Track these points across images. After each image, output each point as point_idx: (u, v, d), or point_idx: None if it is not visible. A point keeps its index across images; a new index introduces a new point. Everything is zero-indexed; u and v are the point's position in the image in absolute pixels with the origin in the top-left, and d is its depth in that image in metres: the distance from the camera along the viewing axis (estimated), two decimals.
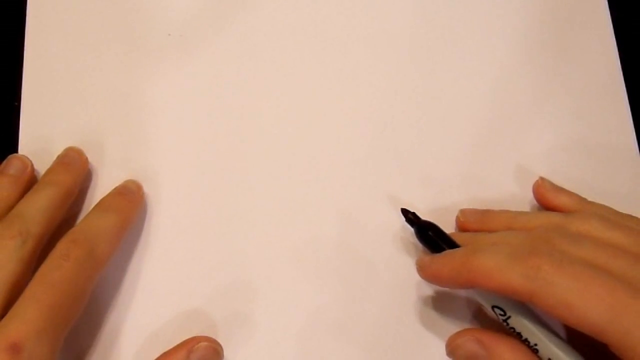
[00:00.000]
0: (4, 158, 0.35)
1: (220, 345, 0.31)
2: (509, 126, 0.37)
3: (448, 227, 0.33)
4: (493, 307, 0.29)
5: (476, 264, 0.27)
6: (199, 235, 0.34)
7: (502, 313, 0.28)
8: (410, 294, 0.34)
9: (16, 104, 0.37)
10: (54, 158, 0.35)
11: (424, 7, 0.39)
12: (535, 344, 0.27)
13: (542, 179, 0.34)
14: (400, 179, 0.36)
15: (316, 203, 0.35)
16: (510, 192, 0.36)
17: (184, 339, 0.31)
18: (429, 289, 0.34)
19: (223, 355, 0.31)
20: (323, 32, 0.39)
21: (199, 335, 0.31)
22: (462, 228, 0.34)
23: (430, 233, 0.32)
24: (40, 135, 0.36)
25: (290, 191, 0.36)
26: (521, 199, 0.35)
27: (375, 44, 0.39)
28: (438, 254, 0.30)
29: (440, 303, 0.33)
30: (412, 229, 0.33)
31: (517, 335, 0.28)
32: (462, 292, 0.33)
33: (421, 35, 0.39)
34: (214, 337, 0.31)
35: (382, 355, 0.33)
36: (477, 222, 0.33)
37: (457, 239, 0.32)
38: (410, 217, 0.33)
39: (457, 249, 0.30)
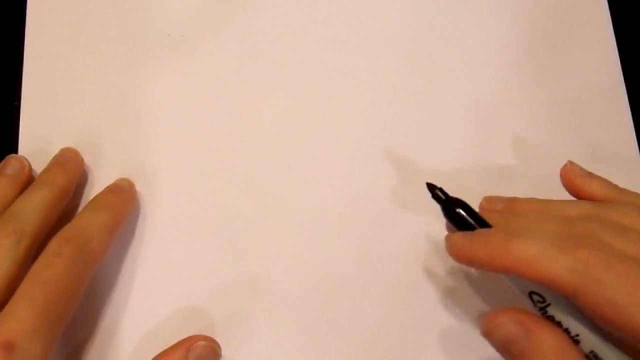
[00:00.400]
0: (3, 158, 0.35)
1: (218, 345, 0.31)
2: (508, 126, 0.37)
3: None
4: (530, 293, 0.27)
5: (517, 249, 0.25)
6: (198, 235, 0.34)
7: (540, 300, 0.26)
8: (414, 290, 0.33)
9: (16, 104, 0.37)
10: None
11: (424, 7, 0.39)
12: (577, 335, 0.26)
13: (571, 162, 0.32)
14: (401, 178, 0.36)
15: (316, 202, 0.35)
16: (511, 192, 0.36)
17: (182, 337, 0.31)
18: (433, 286, 0.34)
19: (221, 354, 0.31)
20: (322, 32, 0.39)
21: (197, 334, 0.31)
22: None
23: (459, 210, 0.29)
24: (40, 135, 0.36)
25: (290, 190, 0.35)
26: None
27: (374, 44, 0.39)
28: (471, 233, 0.28)
29: (447, 300, 0.33)
30: (433, 208, 0.30)
31: (557, 325, 0.26)
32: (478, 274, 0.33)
33: (421, 34, 0.39)
34: (212, 336, 0.31)
35: (383, 356, 0.32)
36: (503, 210, 0.31)
37: (487, 218, 0.29)
38: (437, 192, 0.30)
39: (492, 229, 0.28)
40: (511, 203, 0.31)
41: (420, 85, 0.38)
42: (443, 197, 0.30)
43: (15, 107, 0.37)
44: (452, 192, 0.35)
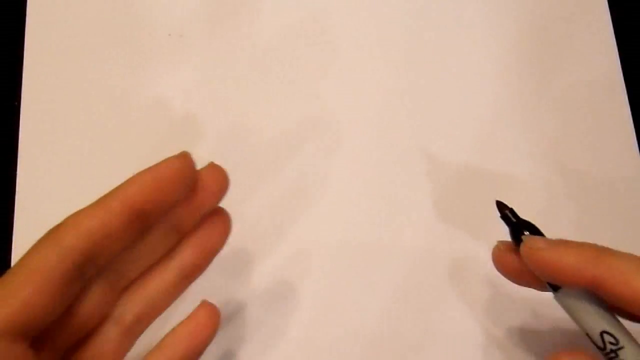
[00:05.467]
0: (4, 158, 0.35)
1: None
2: (509, 126, 0.37)
3: (454, 223, 0.32)
4: (602, 332, 0.24)
5: (612, 261, 0.23)
6: None
7: (613, 342, 0.24)
8: (420, 294, 0.34)
9: (16, 104, 0.37)
10: (54, 158, 0.35)
11: (425, 8, 0.39)
12: None
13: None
14: (402, 178, 0.36)
15: (316, 202, 0.35)
16: (511, 191, 0.36)
17: None
18: (426, 292, 0.34)
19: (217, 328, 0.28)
20: (323, 32, 0.39)
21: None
22: None
23: (528, 233, 0.27)
24: (40, 136, 0.36)
25: (289, 190, 0.35)
26: (521, 198, 0.35)
27: (374, 46, 0.39)
28: (557, 239, 0.25)
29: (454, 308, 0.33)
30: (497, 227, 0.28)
31: None
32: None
33: (423, 34, 0.39)
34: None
35: (384, 356, 0.33)
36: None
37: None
38: (506, 213, 0.28)
39: (583, 242, 0.25)
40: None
41: (423, 85, 0.38)
42: (514, 219, 0.27)
43: (15, 107, 0.37)
44: (454, 192, 0.35)
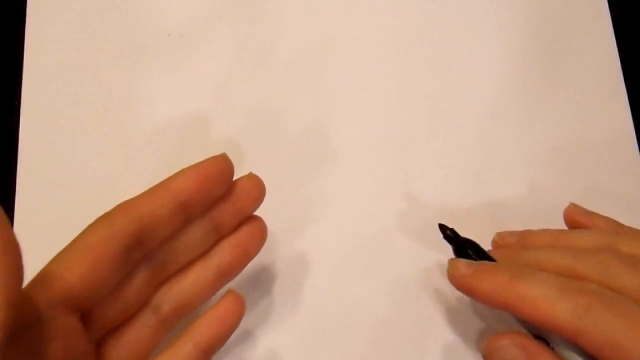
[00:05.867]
0: (4, 158, 0.35)
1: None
2: (509, 126, 0.37)
3: (455, 226, 0.32)
4: (535, 336, 0.27)
5: (520, 289, 0.25)
6: None
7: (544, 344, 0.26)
8: (419, 292, 0.34)
9: (16, 104, 0.37)
10: (54, 158, 0.35)
11: (427, 8, 0.39)
12: None
13: (573, 204, 0.32)
14: (404, 178, 0.36)
15: (317, 202, 0.35)
16: (512, 191, 0.36)
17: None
18: (434, 292, 0.34)
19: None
20: (324, 32, 0.39)
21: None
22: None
23: (470, 252, 0.30)
24: (40, 135, 0.36)
25: (290, 190, 0.36)
26: (523, 198, 0.35)
27: (374, 47, 0.39)
28: (476, 263, 0.28)
29: (446, 316, 0.33)
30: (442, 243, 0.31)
31: None
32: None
33: (423, 35, 0.39)
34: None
35: (385, 354, 0.33)
36: (516, 244, 0.31)
37: (497, 256, 0.30)
38: (448, 233, 0.31)
39: (498, 264, 0.28)
40: (524, 236, 0.31)
41: (423, 87, 0.38)
42: (454, 237, 0.30)
43: (15, 107, 0.37)
44: (456, 191, 0.35)
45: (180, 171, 0.27)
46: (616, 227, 0.30)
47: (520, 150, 0.37)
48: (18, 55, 0.38)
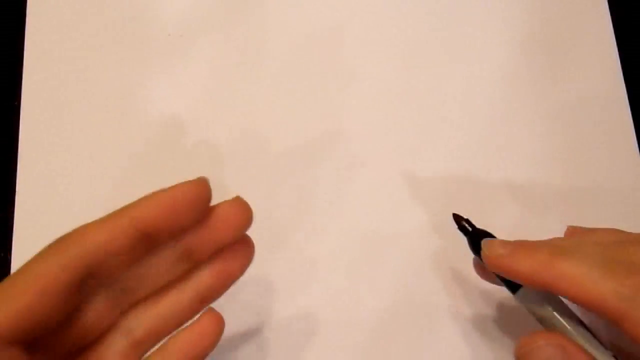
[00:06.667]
0: (4, 158, 0.35)
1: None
2: (509, 126, 0.37)
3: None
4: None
5: (564, 267, 0.24)
6: None
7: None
8: (422, 289, 0.34)
9: (16, 104, 0.37)
10: (54, 158, 0.35)
11: (428, 8, 0.39)
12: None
13: (571, 226, 0.31)
14: (404, 177, 0.36)
15: (318, 203, 0.35)
16: (512, 191, 0.36)
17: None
18: (439, 289, 0.34)
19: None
20: (324, 32, 0.39)
21: None
22: None
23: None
24: (40, 135, 0.36)
25: (290, 190, 0.35)
26: (523, 198, 0.35)
27: (374, 48, 0.39)
28: (514, 242, 0.27)
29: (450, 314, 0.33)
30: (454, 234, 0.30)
31: None
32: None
33: (423, 36, 0.39)
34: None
35: (384, 352, 0.33)
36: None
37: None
38: (463, 224, 0.30)
39: (538, 242, 0.27)
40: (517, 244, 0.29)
41: (423, 87, 0.38)
42: (470, 228, 0.29)
43: (15, 107, 0.37)
44: (456, 191, 0.35)
45: (145, 196, 0.24)
46: (621, 234, 0.29)
47: (521, 150, 0.36)
48: (18, 55, 0.38)
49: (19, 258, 0.34)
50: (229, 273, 0.26)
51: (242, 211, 0.25)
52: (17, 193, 0.35)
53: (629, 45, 0.39)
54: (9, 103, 0.37)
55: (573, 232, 0.30)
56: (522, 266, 0.25)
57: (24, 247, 0.34)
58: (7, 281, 0.22)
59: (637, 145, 0.37)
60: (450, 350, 0.32)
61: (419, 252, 0.34)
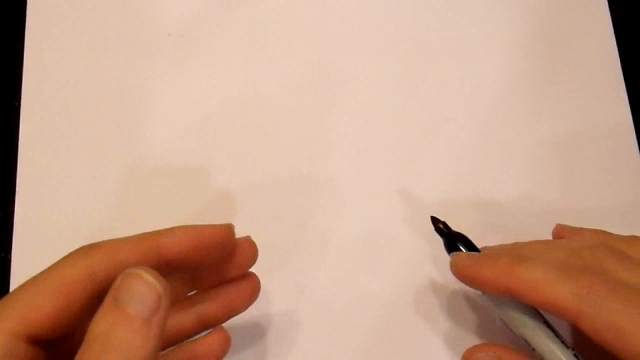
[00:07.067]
0: (4, 158, 0.35)
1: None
2: (509, 126, 0.37)
3: (455, 223, 0.32)
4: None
5: (522, 273, 0.26)
6: None
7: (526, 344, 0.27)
8: (416, 294, 0.34)
9: (16, 104, 0.37)
10: (54, 158, 0.35)
11: (428, 8, 0.39)
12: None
13: (559, 224, 0.32)
14: (404, 177, 0.36)
15: (319, 203, 0.35)
16: (512, 190, 0.36)
17: None
18: (432, 292, 0.34)
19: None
20: (324, 32, 0.39)
21: None
22: None
23: (460, 245, 0.30)
24: (40, 135, 0.36)
25: (291, 190, 0.36)
26: (523, 197, 0.35)
27: (375, 44, 0.39)
28: (478, 254, 0.29)
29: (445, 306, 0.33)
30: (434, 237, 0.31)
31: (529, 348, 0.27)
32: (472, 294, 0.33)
33: (423, 35, 0.39)
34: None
35: (384, 352, 0.33)
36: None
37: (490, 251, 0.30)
38: (440, 226, 0.31)
39: (499, 252, 0.29)
40: (514, 248, 0.31)
41: (423, 86, 0.38)
42: (446, 230, 0.31)
43: (15, 107, 0.37)
44: (456, 190, 0.35)
45: (175, 227, 0.25)
46: (606, 235, 0.31)
47: (521, 150, 0.37)
48: (18, 55, 0.38)
49: (19, 258, 0.34)
50: (233, 307, 0.28)
51: (251, 251, 0.27)
52: (17, 193, 0.35)
53: (629, 45, 0.39)
54: (9, 103, 0.37)
55: (561, 230, 0.32)
56: (485, 274, 0.27)
57: (24, 247, 0.34)
58: (34, 281, 0.23)
59: (637, 145, 0.37)
60: (450, 350, 0.32)
61: (419, 252, 0.34)
